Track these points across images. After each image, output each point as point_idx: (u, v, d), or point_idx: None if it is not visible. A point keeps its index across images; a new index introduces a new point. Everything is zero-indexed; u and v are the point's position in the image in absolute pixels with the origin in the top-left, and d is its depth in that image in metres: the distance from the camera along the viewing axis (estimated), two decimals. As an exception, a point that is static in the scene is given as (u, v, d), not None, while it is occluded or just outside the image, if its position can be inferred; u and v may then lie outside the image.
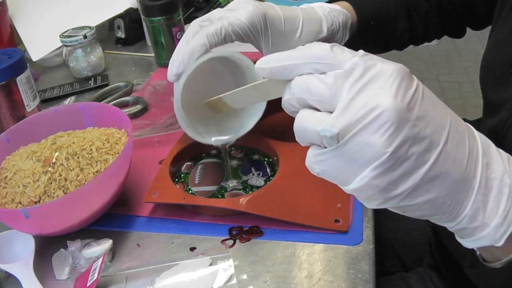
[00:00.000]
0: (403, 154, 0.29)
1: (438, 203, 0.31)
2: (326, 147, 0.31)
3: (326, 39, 0.58)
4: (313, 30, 0.56)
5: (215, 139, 0.55)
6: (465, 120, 0.66)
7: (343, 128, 0.29)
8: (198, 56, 0.49)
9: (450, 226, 0.34)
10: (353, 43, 0.67)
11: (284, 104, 0.34)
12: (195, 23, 0.52)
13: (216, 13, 0.52)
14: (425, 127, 0.29)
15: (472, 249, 0.39)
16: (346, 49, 0.32)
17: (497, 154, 0.33)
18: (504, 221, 0.32)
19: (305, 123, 0.32)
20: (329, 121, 0.30)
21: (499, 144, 0.50)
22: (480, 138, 0.33)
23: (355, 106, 0.29)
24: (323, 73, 0.31)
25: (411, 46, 0.75)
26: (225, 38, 0.50)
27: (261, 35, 0.53)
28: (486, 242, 0.33)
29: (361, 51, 0.31)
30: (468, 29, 0.74)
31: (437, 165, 0.30)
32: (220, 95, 0.42)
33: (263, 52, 0.54)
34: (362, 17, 0.65)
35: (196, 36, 0.50)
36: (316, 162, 0.32)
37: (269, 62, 0.33)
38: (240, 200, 0.54)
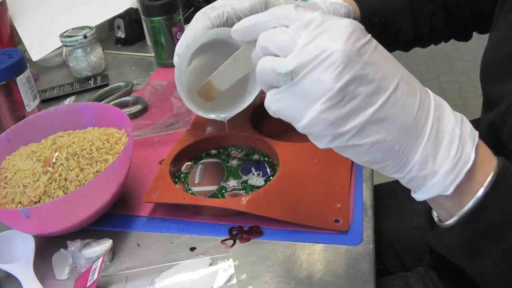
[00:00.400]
0: (350, 92, 0.31)
1: (387, 146, 0.33)
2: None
3: None
4: None
5: (216, 116, 0.58)
6: None
7: (297, 66, 0.32)
8: (200, 34, 0.55)
9: (401, 176, 0.35)
10: None
11: (253, 58, 0.36)
12: (200, 11, 0.57)
13: (220, 1, 0.57)
14: (374, 72, 0.32)
15: (430, 212, 0.40)
16: (308, 8, 0.35)
17: (450, 111, 0.35)
18: (453, 169, 0.34)
19: (265, 64, 0.34)
20: (285, 60, 0.33)
21: (496, 136, 0.51)
22: (433, 97, 0.35)
23: (308, 49, 0.32)
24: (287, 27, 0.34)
25: None
26: (227, 21, 0.55)
27: None
28: (436, 191, 0.35)
29: (320, 10, 0.35)
30: (469, 29, 0.74)
31: (385, 108, 0.32)
32: (208, 78, 0.44)
33: None
34: (365, 13, 0.66)
35: (200, 20, 0.55)
36: (273, 100, 0.34)
37: (241, 24, 0.37)
38: (240, 200, 0.54)
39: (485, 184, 0.35)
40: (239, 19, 0.56)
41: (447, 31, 0.72)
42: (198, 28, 0.56)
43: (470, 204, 0.35)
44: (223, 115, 0.60)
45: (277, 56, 0.34)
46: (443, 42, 0.76)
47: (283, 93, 0.33)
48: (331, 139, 0.33)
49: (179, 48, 0.57)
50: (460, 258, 0.40)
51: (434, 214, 0.41)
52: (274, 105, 0.34)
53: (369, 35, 0.33)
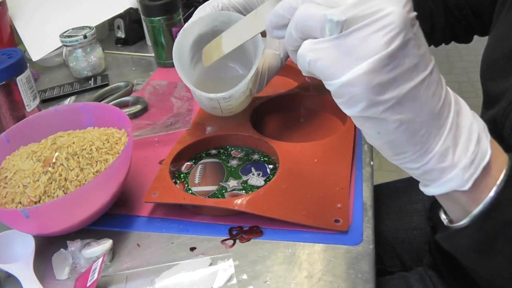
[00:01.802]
0: (397, 59, 0.30)
1: (413, 128, 0.32)
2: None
3: None
4: None
5: (213, 95, 0.58)
6: None
7: (350, 17, 0.30)
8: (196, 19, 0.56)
9: (416, 167, 0.34)
10: None
11: (282, 8, 0.33)
12: (199, 7, 0.59)
13: None
14: (419, 46, 0.31)
15: (432, 213, 0.39)
16: None
17: (465, 105, 0.35)
18: (472, 163, 0.33)
19: (311, 10, 0.31)
20: (338, 9, 0.30)
21: (497, 133, 0.51)
22: (451, 91, 0.35)
23: (365, 4, 0.30)
24: None
25: None
26: (222, 10, 0.56)
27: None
28: (453, 185, 0.34)
29: None
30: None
31: (421, 87, 0.31)
32: (221, 34, 0.41)
33: None
34: None
35: (197, 13, 0.57)
36: (311, 49, 0.31)
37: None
38: (240, 200, 0.54)
39: (500, 178, 0.35)
40: (235, 9, 0.57)
41: (447, 32, 0.72)
42: (194, 18, 0.58)
43: (486, 200, 0.35)
44: (217, 95, 0.59)
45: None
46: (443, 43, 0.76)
47: (327, 43, 0.31)
48: (366, 106, 0.31)
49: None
50: (475, 258, 0.39)
51: (443, 216, 0.40)
52: (312, 55, 0.31)
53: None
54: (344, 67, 0.30)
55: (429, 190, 0.36)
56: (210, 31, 0.59)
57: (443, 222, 0.40)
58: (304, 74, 0.34)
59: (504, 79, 0.52)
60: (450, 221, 0.39)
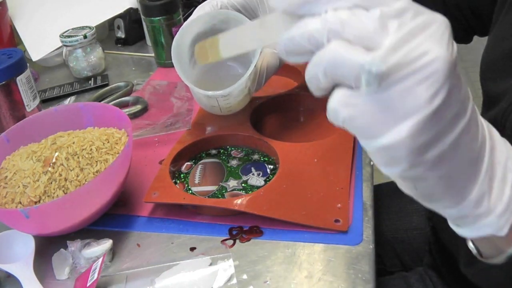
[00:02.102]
0: (442, 112, 0.26)
1: (452, 180, 0.30)
2: (357, 90, 0.27)
3: None
4: None
5: (212, 93, 0.58)
6: None
7: (392, 66, 0.25)
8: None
9: (452, 213, 0.32)
10: None
11: (301, 36, 0.28)
12: (198, 6, 0.59)
13: None
14: (460, 90, 0.27)
15: (467, 247, 0.38)
16: None
17: (500, 138, 0.32)
18: (507, 208, 0.31)
19: (345, 53, 0.26)
20: (377, 56, 0.25)
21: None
22: (484, 122, 0.32)
23: (406, 47, 0.25)
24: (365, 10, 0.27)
25: None
26: (221, 9, 0.56)
27: (258, 6, 0.56)
28: (489, 231, 0.32)
29: None
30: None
31: (462, 135, 0.28)
32: (217, 36, 0.37)
33: None
34: None
35: (196, 12, 0.57)
36: (346, 104, 0.27)
37: None
38: (240, 200, 0.54)
39: None
40: (234, 7, 0.57)
41: None
42: (192, 16, 0.58)
43: None
44: (220, 92, 0.59)
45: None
46: None
47: (363, 98, 0.27)
48: (407, 167, 0.28)
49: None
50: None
51: (471, 245, 0.38)
52: (346, 111, 0.27)
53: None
54: (384, 127, 0.27)
55: (462, 231, 0.34)
56: (209, 30, 0.59)
57: (470, 253, 0.38)
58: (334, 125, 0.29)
59: (504, 79, 0.51)
60: (478, 250, 0.38)
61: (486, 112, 0.56)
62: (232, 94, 0.59)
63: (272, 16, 0.30)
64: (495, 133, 0.32)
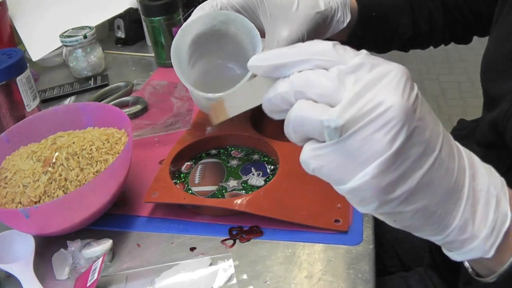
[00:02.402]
0: (404, 153, 0.28)
1: (429, 212, 0.31)
2: (324, 142, 0.30)
3: (326, 17, 0.59)
4: (309, 5, 0.57)
5: (212, 95, 0.58)
6: (462, 120, 0.66)
7: (349, 120, 0.28)
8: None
9: (437, 239, 0.34)
10: (353, 37, 0.67)
11: (275, 98, 0.32)
12: (198, 7, 0.59)
13: None
14: (424, 131, 0.29)
15: (464, 266, 0.38)
16: (348, 47, 0.31)
17: (481, 166, 0.33)
18: (492, 232, 0.32)
19: (306, 113, 0.29)
20: (334, 112, 0.28)
21: (499, 136, 0.51)
22: (464, 151, 0.33)
23: (361, 100, 0.28)
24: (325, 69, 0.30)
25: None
26: (221, 10, 0.56)
27: (258, 7, 0.56)
28: (476, 254, 0.33)
29: (363, 51, 0.31)
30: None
31: (432, 171, 0.30)
32: (221, 98, 0.42)
33: (263, 23, 0.58)
34: (362, 5, 0.65)
35: (195, 13, 0.57)
36: (313, 156, 0.30)
37: (265, 60, 0.32)
38: (240, 200, 0.54)
39: None
40: (233, 8, 0.57)
41: (446, 32, 0.72)
42: (192, 17, 0.58)
43: (511, 260, 0.33)
44: (219, 94, 0.59)
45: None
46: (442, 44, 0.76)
47: (327, 149, 0.29)
48: (378, 205, 0.30)
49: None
50: None
51: (466, 264, 0.39)
52: (315, 162, 0.30)
53: (415, 84, 0.30)
54: (350, 173, 0.29)
55: (452, 255, 0.35)
56: (208, 30, 0.59)
57: (466, 271, 0.38)
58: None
59: (505, 80, 0.51)
60: (475, 272, 0.38)
61: (487, 113, 0.56)
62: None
63: (258, 78, 0.35)
64: (476, 160, 0.33)
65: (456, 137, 0.64)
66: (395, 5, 0.68)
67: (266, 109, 0.34)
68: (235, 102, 0.40)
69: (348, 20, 0.62)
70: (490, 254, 0.32)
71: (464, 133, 0.67)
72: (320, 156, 0.30)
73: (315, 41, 0.31)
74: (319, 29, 0.59)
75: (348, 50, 0.30)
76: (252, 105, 0.38)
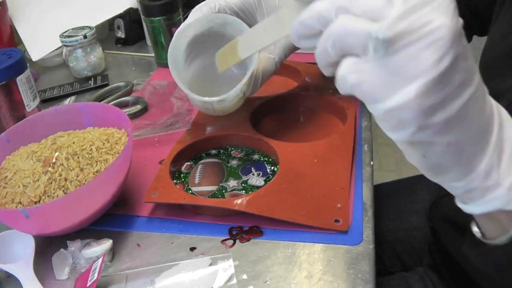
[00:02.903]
0: (449, 77, 0.28)
1: (460, 148, 0.30)
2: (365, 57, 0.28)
3: None
4: None
5: (208, 99, 0.57)
6: None
7: (397, 34, 0.26)
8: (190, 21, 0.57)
9: (460, 186, 0.33)
10: None
11: (310, 18, 0.29)
12: (195, 8, 0.58)
13: None
14: (467, 59, 0.28)
15: (471, 231, 0.38)
16: None
17: (508, 117, 0.33)
18: None
19: (352, 25, 0.27)
20: (384, 24, 0.27)
21: None
22: (494, 103, 0.32)
23: (411, 17, 0.27)
24: None
25: None
26: (219, 12, 0.56)
27: (256, 10, 0.55)
28: (497, 204, 0.32)
29: None
30: (468, 28, 0.74)
31: (470, 103, 0.29)
32: (236, 38, 0.39)
33: None
34: None
35: (193, 14, 0.56)
36: (354, 70, 0.28)
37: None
38: (240, 200, 0.54)
39: None
40: (232, 10, 0.57)
41: None
42: (189, 20, 0.57)
43: None
44: (216, 98, 0.59)
45: None
46: None
47: (371, 64, 0.28)
48: (416, 130, 0.29)
49: None
50: (509, 273, 0.38)
51: (475, 229, 0.38)
52: (355, 78, 0.28)
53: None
54: (391, 90, 0.28)
55: (468, 208, 0.34)
56: (206, 32, 0.59)
57: (474, 235, 0.38)
58: (342, 93, 0.31)
59: (503, 79, 0.51)
60: (482, 234, 0.38)
61: None
62: (228, 99, 0.59)
63: (284, 9, 0.32)
64: (504, 111, 0.33)
65: None
66: None
67: (296, 33, 0.31)
68: (251, 40, 0.37)
69: None
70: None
71: None
72: (362, 70, 0.28)
73: None
74: None
75: None
76: (270, 41, 0.35)
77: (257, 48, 0.36)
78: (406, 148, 0.32)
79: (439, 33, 0.26)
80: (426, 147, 0.30)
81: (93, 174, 0.54)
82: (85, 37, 0.92)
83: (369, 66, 0.28)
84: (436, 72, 0.27)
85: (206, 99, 0.57)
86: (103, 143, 0.57)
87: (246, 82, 0.57)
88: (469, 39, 0.74)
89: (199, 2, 1.14)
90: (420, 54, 0.27)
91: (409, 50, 0.27)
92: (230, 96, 0.58)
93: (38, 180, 0.52)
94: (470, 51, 0.29)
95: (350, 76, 0.29)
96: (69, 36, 0.92)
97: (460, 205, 0.35)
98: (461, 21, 0.28)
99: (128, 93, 0.86)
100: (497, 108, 0.32)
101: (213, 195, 0.58)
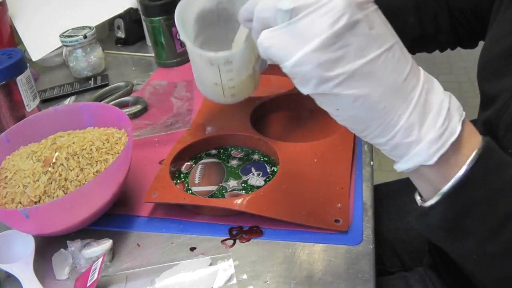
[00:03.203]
0: (344, 38, 0.32)
1: (371, 103, 0.34)
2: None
3: None
4: None
5: (214, 54, 0.56)
6: None
7: (298, 6, 0.33)
8: None
9: (383, 142, 0.35)
10: None
11: (246, 9, 0.39)
12: None
13: None
14: (368, 27, 0.33)
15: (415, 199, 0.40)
16: None
17: (439, 86, 0.36)
18: (439, 138, 0.34)
19: (266, 2, 0.36)
20: (285, 2, 0.34)
21: (492, 134, 0.51)
22: (424, 72, 0.36)
23: None
24: None
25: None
26: None
27: None
28: (419, 159, 0.35)
29: None
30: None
31: (374, 63, 0.33)
32: (224, 57, 0.48)
33: None
34: None
35: None
36: (267, 37, 0.35)
37: None
38: (240, 200, 0.54)
39: (471, 157, 0.35)
40: None
41: (452, 36, 0.71)
42: None
43: (456, 177, 0.35)
44: (223, 53, 0.57)
45: None
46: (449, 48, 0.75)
47: (279, 31, 0.34)
48: (317, 83, 0.33)
49: None
50: (444, 237, 0.39)
51: (417, 198, 0.40)
52: (267, 42, 0.35)
53: (373, 1, 0.34)
54: (294, 50, 0.33)
55: (398, 166, 0.37)
56: (215, 8, 0.59)
57: (417, 204, 0.40)
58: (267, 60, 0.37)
59: (499, 80, 0.51)
60: (422, 201, 0.39)
61: (482, 112, 0.56)
62: (235, 61, 0.56)
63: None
64: (436, 83, 0.36)
65: None
66: (399, 3, 0.68)
67: (241, 17, 0.41)
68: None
69: None
70: (433, 160, 0.34)
71: None
72: (273, 36, 0.35)
73: None
74: None
75: None
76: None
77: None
78: (321, 103, 0.36)
79: (333, 3, 0.32)
80: (336, 100, 0.34)
81: (93, 174, 0.54)
82: (85, 37, 0.92)
83: (277, 33, 0.34)
84: (331, 31, 0.32)
85: (212, 54, 0.55)
86: (103, 143, 0.57)
87: (249, 37, 0.55)
88: (475, 44, 0.74)
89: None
90: (317, 20, 0.32)
91: (308, 18, 0.33)
92: (239, 54, 0.56)
93: (38, 180, 0.52)
94: (383, 23, 0.34)
95: (264, 42, 0.35)
96: (69, 36, 0.92)
97: (394, 166, 0.38)
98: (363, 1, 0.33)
99: (128, 93, 0.86)
100: (426, 77, 0.36)
101: (213, 195, 0.58)
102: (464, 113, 0.36)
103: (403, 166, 0.36)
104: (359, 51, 0.33)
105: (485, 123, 0.52)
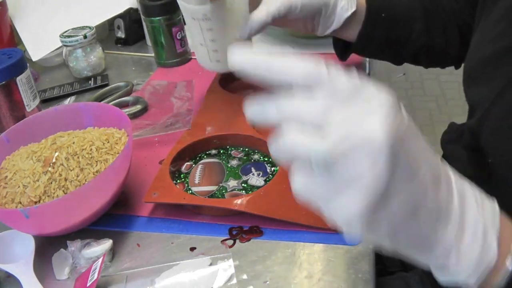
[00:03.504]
0: (390, 185, 0.28)
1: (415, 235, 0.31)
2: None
3: (327, 3, 0.61)
4: None
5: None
6: (453, 123, 0.65)
7: (336, 154, 0.28)
8: None
9: (425, 260, 0.34)
10: (363, 37, 0.66)
11: (268, 121, 0.34)
12: None
13: None
14: (411, 161, 0.29)
15: None
16: (335, 66, 0.30)
17: (472, 196, 0.33)
18: (478, 264, 0.32)
19: (296, 147, 0.30)
20: (320, 145, 0.28)
21: (475, 143, 0.50)
22: (454, 178, 0.33)
23: (347, 132, 0.28)
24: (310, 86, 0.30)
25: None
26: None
27: None
28: (460, 281, 0.33)
29: (353, 73, 0.30)
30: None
31: (411, 193, 0.30)
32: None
33: None
34: (370, 4, 0.65)
35: None
36: (306, 191, 0.33)
37: (252, 56, 0.30)
38: (240, 200, 0.54)
39: (503, 274, 0.33)
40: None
41: (462, 50, 0.69)
42: None
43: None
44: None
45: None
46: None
47: (316, 179, 0.31)
48: (364, 231, 0.31)
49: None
50: None
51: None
52: (304, 191, 0.33)
53: (401, 106, 0.30)
54: (338, 200, 0.30)
55: (440, 279, 0.35)
56: None
57: None
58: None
59: (478, 88, 0.51)
60: None
61: (468, 120, 0.55)
62: (214, 18, 0.59)
63: None
64: (467, 187, 0.33)
65: (445, 141, 0.63)
66: (407, 9, 0.67)
67: (250, 117, 0.35)
68: None
69: (352, 10, 0.62)
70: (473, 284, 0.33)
71: (453, 136, 0.66)
72: (312, 189, 0.32)
73: (314, 60, 0.30)
74: (321, 12, 0.61)
75: (335, 71, 0.30)
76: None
77: None
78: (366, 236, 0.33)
79: (373, 145, 0.27)
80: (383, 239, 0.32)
81: (93, 174, 0.54)
82: (85, 37, 0.92)
83: (317, 185, 0.31)
84: (378, 183, 0.28)
85: (191, 6, 0.58)
86: (103, 143, 0.57)
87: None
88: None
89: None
90: (358, 168, 0.28)
91: (347, 165, 0.28)
92: (216, 10, 0.58)
93: (38, 180, 0.52)
94: (415, 139, 0.30)
95: (301, 192, 0.33)
96: (69, 36, 0.92)
97: (434, 273, 0.36)
98: (402, 126, 0.28)
99: (128, 93, 0.86)
100: (459, 191, 0.32)
101: (213, 195, 0.58)
102: (497, 223, 0.33)
103: (443, 280, 0.35)
104: (400, 183, 0.29)
105: (470, 132, 0.52)
